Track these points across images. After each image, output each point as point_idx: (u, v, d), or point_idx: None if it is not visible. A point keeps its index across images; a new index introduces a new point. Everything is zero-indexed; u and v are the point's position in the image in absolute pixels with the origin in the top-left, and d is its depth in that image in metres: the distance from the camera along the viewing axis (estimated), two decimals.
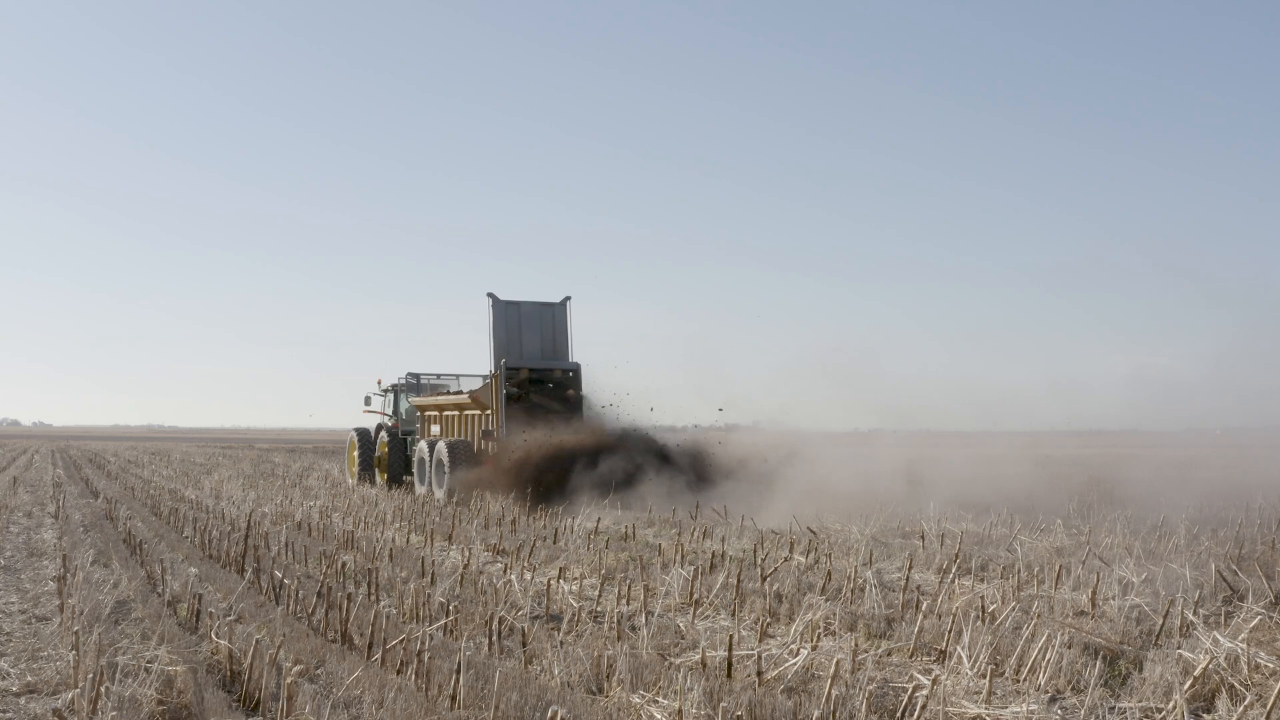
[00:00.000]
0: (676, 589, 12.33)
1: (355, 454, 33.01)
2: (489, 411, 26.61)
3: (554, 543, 17.15)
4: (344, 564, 13.08)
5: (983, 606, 10.19)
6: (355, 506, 24.47)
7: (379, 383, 33.90)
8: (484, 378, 27.31)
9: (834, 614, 10.88)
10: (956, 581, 13.13)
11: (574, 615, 10.86)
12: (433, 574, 12.96)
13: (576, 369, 27.44)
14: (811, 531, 18.22)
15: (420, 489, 28.51)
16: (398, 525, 20.36)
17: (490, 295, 26.81)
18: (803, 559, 15.77)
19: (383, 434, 32.25)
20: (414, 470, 29.57)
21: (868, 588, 11.62)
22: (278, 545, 16.19)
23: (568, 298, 27.89)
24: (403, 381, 32.94)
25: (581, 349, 28.41)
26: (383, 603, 11.64)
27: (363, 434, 33.09)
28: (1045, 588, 12.72)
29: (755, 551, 15.71)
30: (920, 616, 10.36)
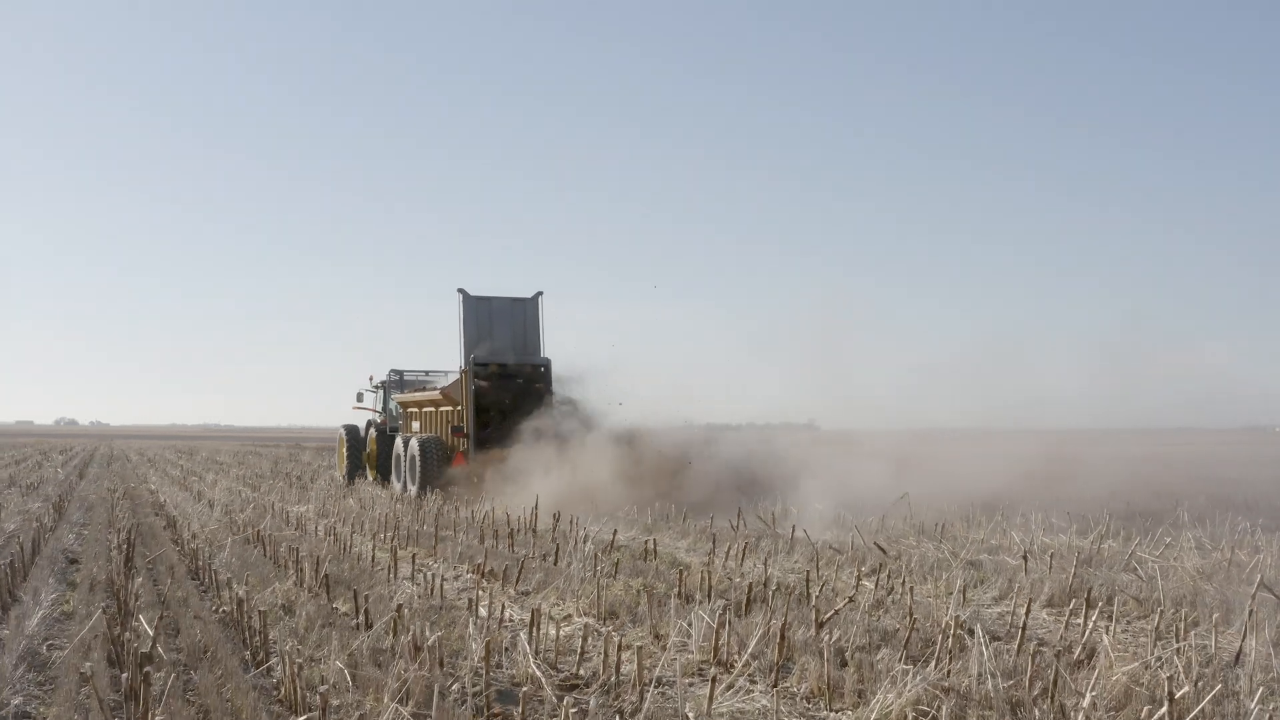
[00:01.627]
0: (696, 639, 8.79)
1: (344, 451, 32.35)
2: (459, 408, 26.31)
3: (555, 561, 13.62)
4: (241, 601, 9.62)
5: (1169, 693, 6.28)
6: (346, 511, 21.15)
7: (370, 379, 33.33)
8: (457, 374, 27.05)
9: (927, 690, 7.26)
10: (1088, 623, 9.48)
11: (535, 690, 7.35)
12: (366, 613, 9.45)
13: (547, 364, 26.95)
14: (881, 549, 14.58)
15: (397, 485, 27.95)
16: (379, 535, 17.03)
17: (461, 291, 26.39)
18: (870, 585, 12.25)
19: (372, 431, 31.68)
20: (392, 467, 29.03)
21: (973, 646, 7.94)
22: (192, 566, 12.79)
23: (539, 293, 27.32)
24: (389, 379, 32.72)
25: (628, 348, 26.08)
26: (277, 662, 8.15)
27: (351, 431, 32.44)
28: (1222, 634, 9.06)
29: (809, 578, 12.07)
30: (1057, 694, 6.79)
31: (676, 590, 11.14)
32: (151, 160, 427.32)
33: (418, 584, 11.82)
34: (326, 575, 11.37)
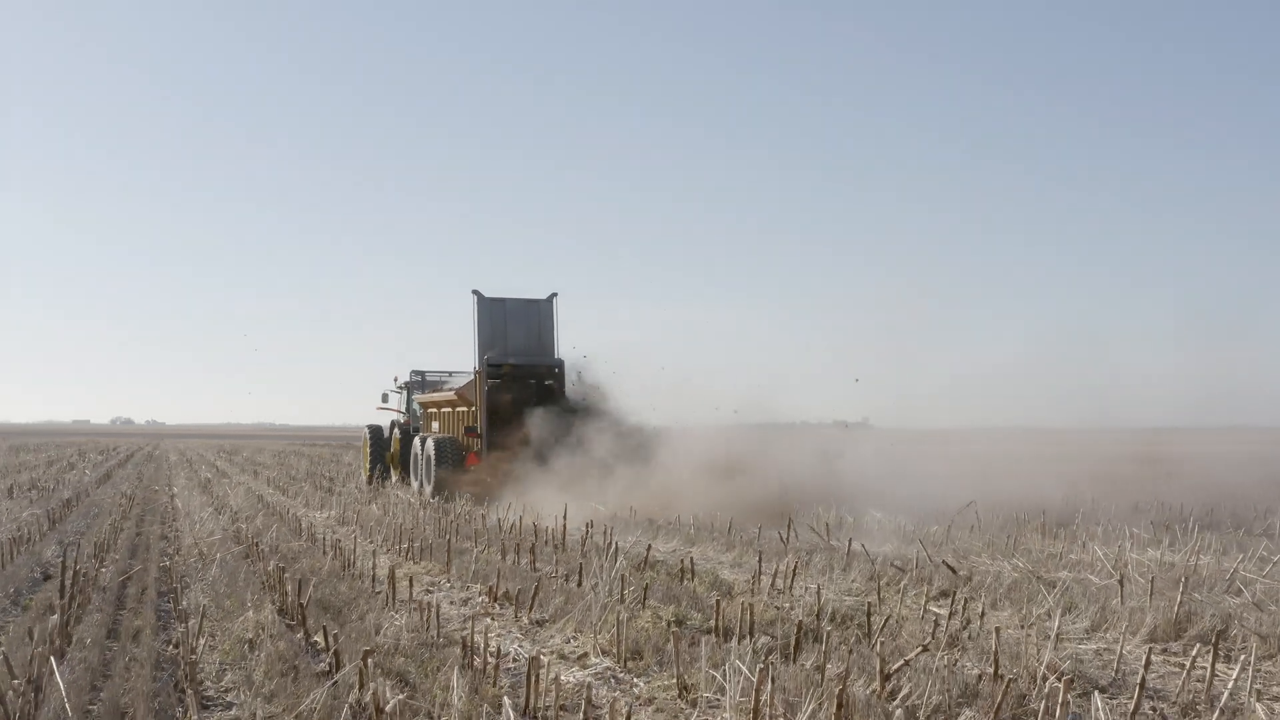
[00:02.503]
0: (731, 696, 7.13)
1: (367, 451, 32.27)
2: (473, 408, 26.19)
3: (579, 582, 11.98)
4: (180, 642, 8.06)
5: None
6: (366, 518, 19.64)
7: (395, 380, 33.07)
8: (472, 374, 26.85)
9: None
10: (1213, 670, 7.73)
11: None
12: (336, 655, 7.85)
13: (560, 365, 26.65)
14: (950, 568, 12.83)
15: (414, 485, 27.79)
16: (393, 546, 15.50)
17: (475, 292, 26.20)
18: (940, 611, 10.56)
19: (395, 431, 31.30)
20: (410, 467, 28.95)
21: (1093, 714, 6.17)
22: (168, 587, 11.27)
23: (554, 294, 27.01)
24: (411, 379, 32.50)
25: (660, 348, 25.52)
26: None
27: (375, 431, 32.26)
28: None
29: (870, 608, 10.36)
30: None
31: (713, 623, 9.46)
32: (216, 163, 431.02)
33: (416, 611, 10.23)
34: (305, 604, 9.77)
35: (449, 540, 14.80)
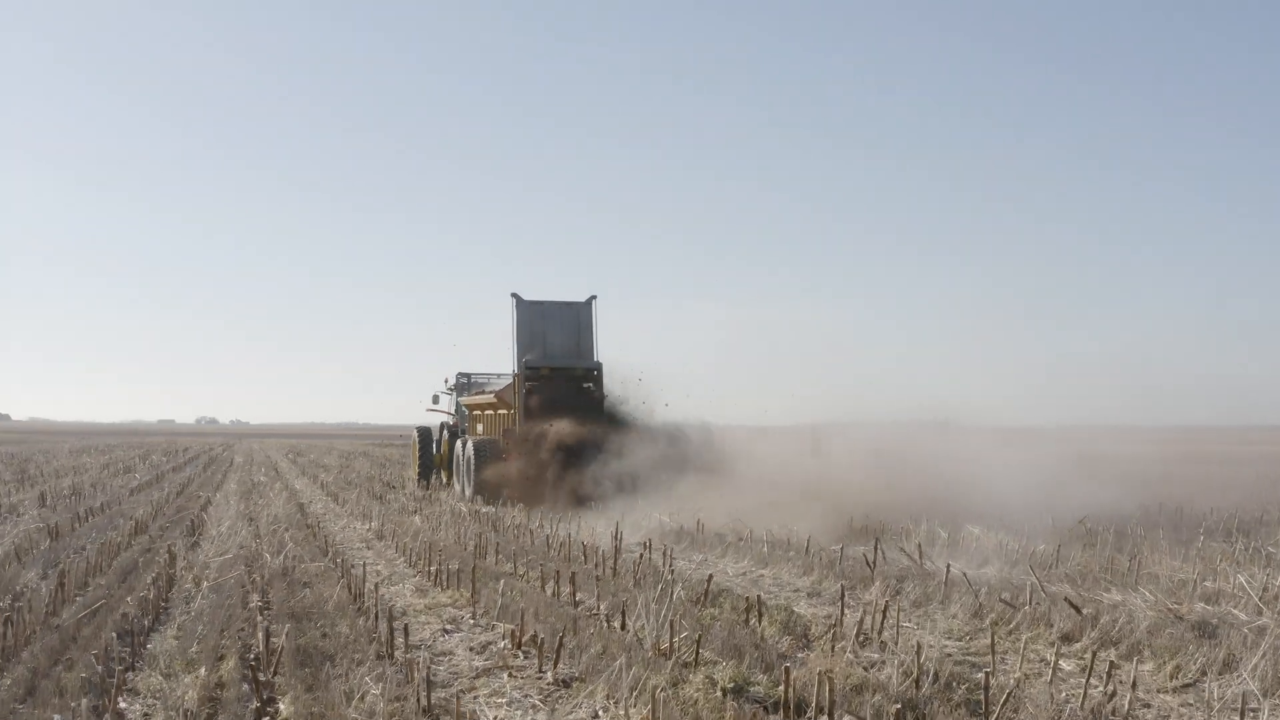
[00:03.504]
0: None
1: (416, 453, 32.27)
2: (512, 410, 25.96)
3: (622, 623, 9.96)
4: None
5: None
6: (405, 530, 17.79)
7: (445, 381, 32.45)
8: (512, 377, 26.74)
9: None
10: None
11: None
12: None
13: (599, 368, 26.28)
14: (1074, 606, 10.62)
15: (457, 488, 27.61)
16: (422, 568, 13.61)
17: (514, 295, 26.10)
18: (1070, 667, 8.47)
19: (444, 433, 31.03)
20: (453, 469, 28.82)
21: None
22: (130, 627, 9.40)
23: (593, 297, 26.77)
24: (458, 381, 32.04)
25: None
26: None
27: (424, 433, 32.25)
28: None
29: (984, 664, 8.23)
30: None
31: (781, 691, 7.38)
32: (305, 165, 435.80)
33: (410, 667, 8.26)
34: (277, 656, 7.86)
35: (483, 562, 12.88)
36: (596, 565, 13.59)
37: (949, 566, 12.69)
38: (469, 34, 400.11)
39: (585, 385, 26.20)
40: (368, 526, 19.65)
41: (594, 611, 10.78)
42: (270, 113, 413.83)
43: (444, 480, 30.34)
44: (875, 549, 13.65)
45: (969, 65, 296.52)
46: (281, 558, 13.95)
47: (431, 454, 31.40)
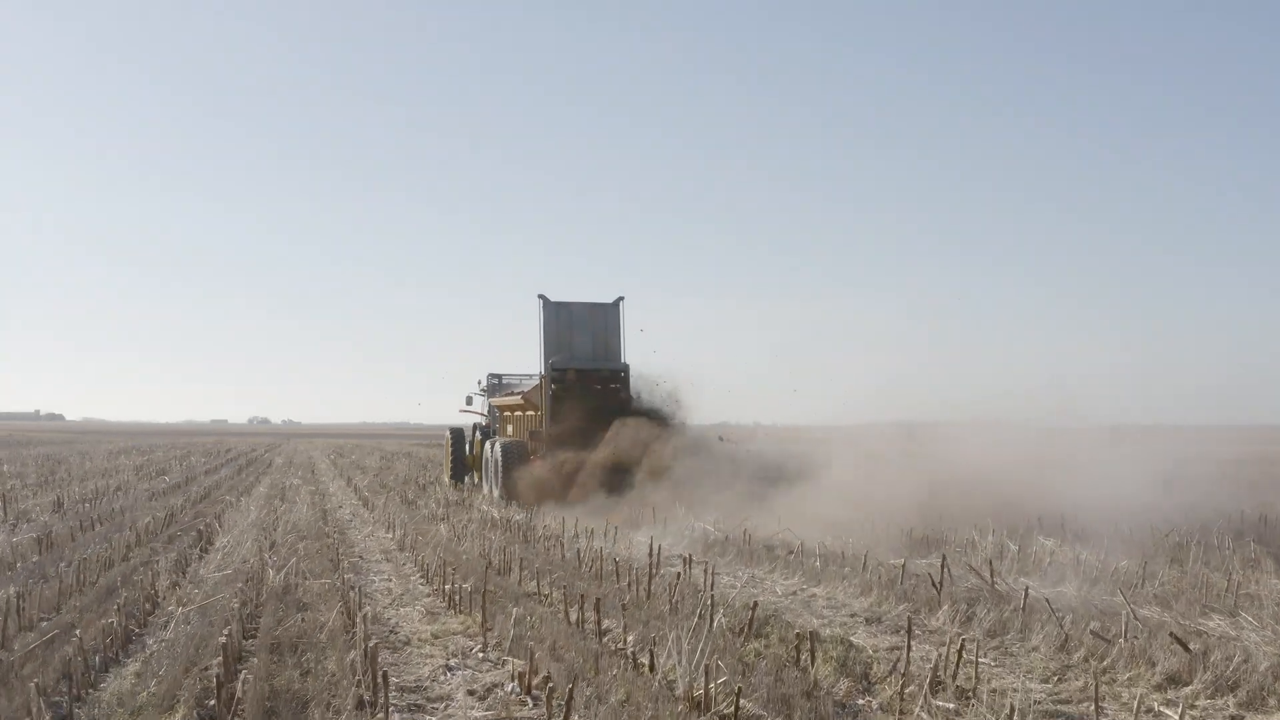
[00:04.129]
0: None
1: (449, 454, 32.02)
2: (539, 412, 25.85)
3: (650, 665, 8.56)
4: None
5: None
6: (425, 540, 16.50)
7: (479, 383, 31.93)
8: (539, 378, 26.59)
9: None
10: None
11: None
12: None
13: (625, 369, 26.13)
14: (1180, 643, 9.10)
15: (486, 489, 27.52)
16: (441, 586, 12.29)
17: (541, 297, 25.96)
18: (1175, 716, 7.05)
19: (477, 434, 30.63)
20: (482, 470, 28.64)
21: None
22: (90, 663, 8.12)
23: (620, 298, 26.48)
24: (489, 381, 31.62)
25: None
26: None
27: (456, 434, 32.04)
28: None
29: (1084, 716, 6.80)
30: None
31: None
32: (359, 164, 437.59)
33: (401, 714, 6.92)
34: (237, 704, 6.55)
35: (505, 580, 11.54)
36: (630, 584, 12.22)
37: (1027, 590, 11.20)
38: (506, 33, 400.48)
39: (613, 387, 26.10)
40: (391, 536, 18.39)
41: (620, 646, 9.40)
42: (329, 115, 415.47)
43: (475, 481, 30.06)
44: (942, 568, 12.13)
45: (1029, 60, 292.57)
46: (283, 574, 12.65)
47: (464, 455, 31.19)
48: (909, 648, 8.77)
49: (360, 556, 16.12)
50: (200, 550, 15.46)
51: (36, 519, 19.83)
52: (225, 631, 8.26)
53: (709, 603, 10.01)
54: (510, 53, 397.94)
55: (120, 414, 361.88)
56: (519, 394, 27.46)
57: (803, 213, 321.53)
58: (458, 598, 11.44)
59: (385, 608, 11.79)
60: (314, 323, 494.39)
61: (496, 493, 25.61)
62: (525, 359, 29.00)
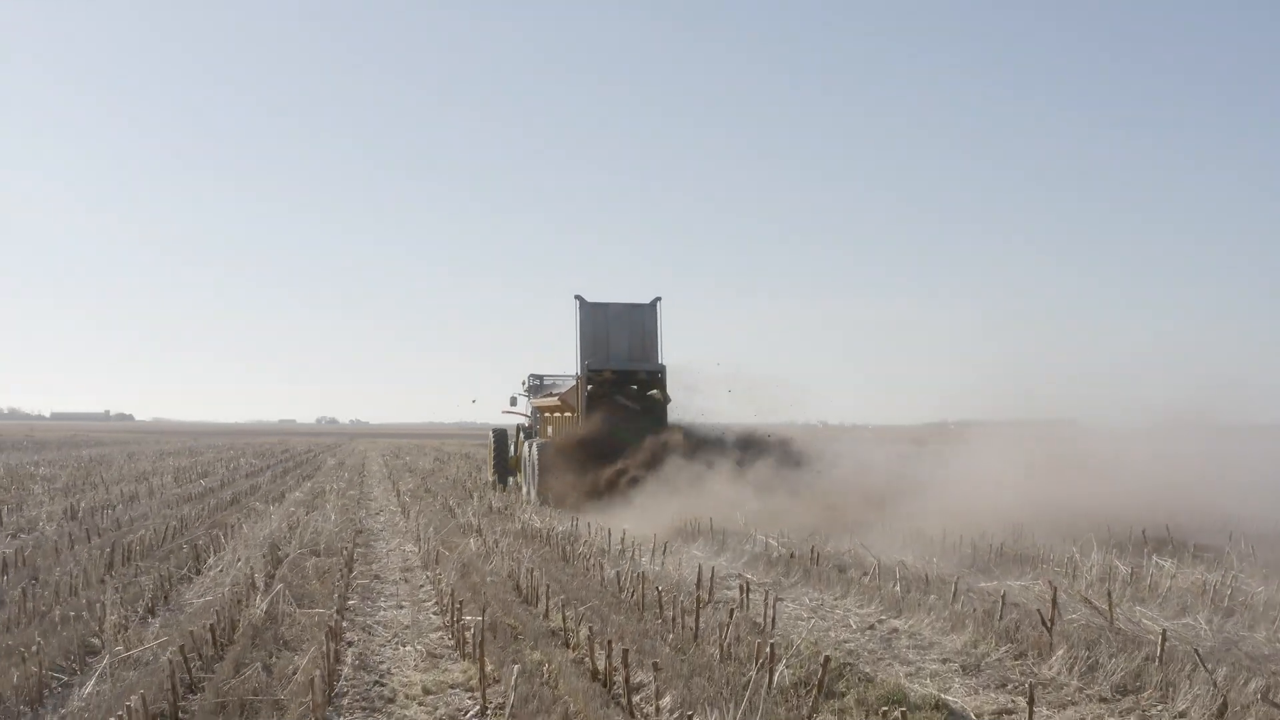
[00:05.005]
0: None
1: (492, 455, 31.61)
2: (576, 414, 25.55)
3: None
4: None
5: None
6: (456, 556, 14.63)
7: (523, 383, 31.25)
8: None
9: None
10: None
11: None
12: None
13: (662, 370, 25.72)
14: None
15: (524, 491, 27.05)
16: (455, 619, 10.35)
17: (578, 297, 25.59)
18: None
19: (520, 435, 30.04)
20: (521, 472, 28.34)
21: None
22: None
23: (658, 299, 26.04)
24: (530, 383, 31.05)
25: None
26: None
27: (499, 435, 31.59)
28: None
29: None
30: None
31: None
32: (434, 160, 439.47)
33: None
34: None
35: (530, 611, 9.58)
36: (675, 619, 10.21)
37: (1164, 635, 9.03)
38: (563, 34, 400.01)
39: (649, 387, 25.79)
40: (418, 550, 16.54)
41: (652, 712, 7.40)
42: (401, 119, 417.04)
43: (518, 483, 29.49)
44: (1053, 603, 9.98)
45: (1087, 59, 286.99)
46: (268, 602, 10.78)
47: (507, 456, 30.79)
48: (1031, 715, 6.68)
49: (376, 576, 14.27)
50: (192, 569, 13.66)
51: (38, 529, 18.24)
52: (129, 702, 6.33)
53: (769, 651, 7.99)
54: (569, 53, 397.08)
55: (190, 414, 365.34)
56: (556, 395, 27.16)
57: (870, 210, 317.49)
58: (467, 635, 9.50)
59: (381, 646, 9.90)
60: (385, 323, 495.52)
61: (533, 494, 25.12)
62: (557, 359, 28.49)
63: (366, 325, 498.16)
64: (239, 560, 13.79)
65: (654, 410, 25.21)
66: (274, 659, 8.93)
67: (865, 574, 13.44)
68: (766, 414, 26.60)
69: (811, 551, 14.67)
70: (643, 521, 20.54)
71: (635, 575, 12.51)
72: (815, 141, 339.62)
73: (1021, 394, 26.68)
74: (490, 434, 32.37)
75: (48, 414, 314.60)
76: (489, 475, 32.12)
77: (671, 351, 27.04)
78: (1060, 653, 9.22)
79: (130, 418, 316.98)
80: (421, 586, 13.31)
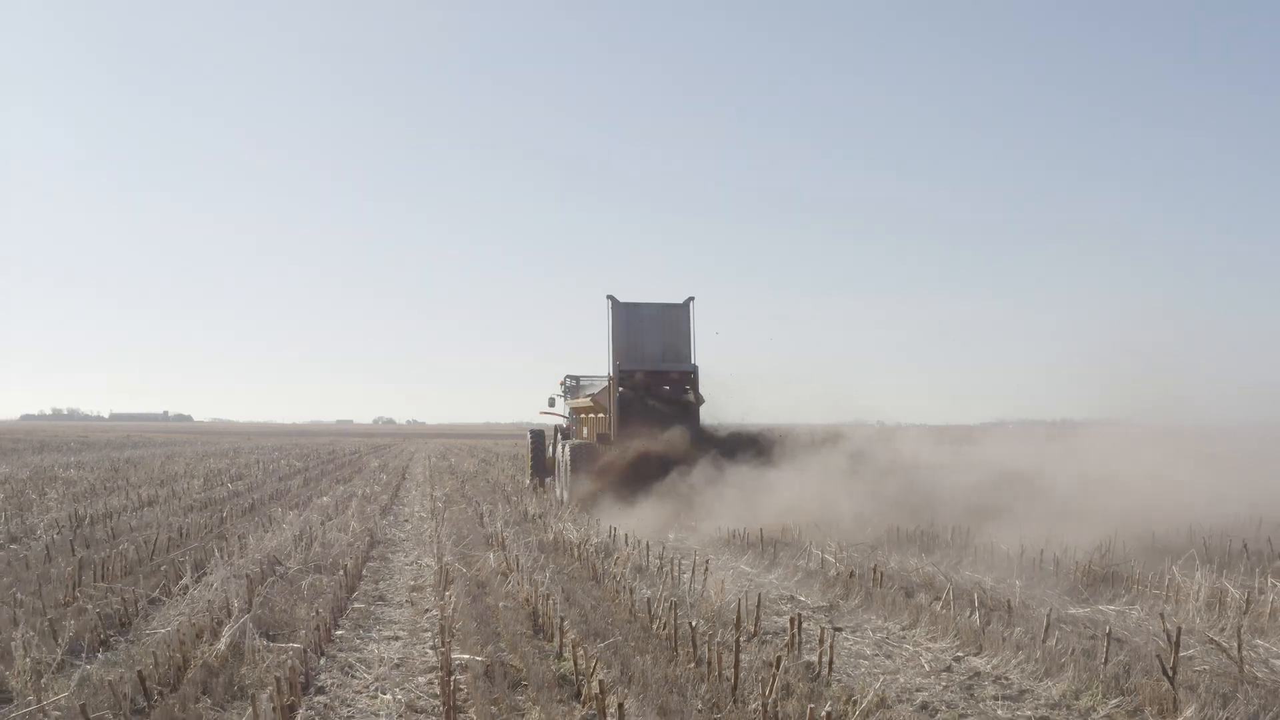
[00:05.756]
0: None
1: (530, 456, 31.19)
2: (607, 415, 25.10)
3: None
4: None
5: None
6: (471, 575, 12.99)
7: (561, 384, 30.52)
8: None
9: None
10: None
11: None
12: None
13: (694, 371, 25.06)
14: None
15: (558, 493, 26.62)
16: (440, 660, 8.68)
17: (610, 297, 25.06)
18: None
19: (559, 436, 29.27)
20: (556, 473, 27.99)
21: None
22: None
23: (691, 298, 25.40)
24: (566, 383, 30.35)
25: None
26: None
27: (536, 436, 31.28)
28: None
29: None
30: None
31: None
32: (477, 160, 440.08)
33: None
34: None
35: (541, 648, 7.89)
36: (713, 663, 8.46)
37: None
38: (576, 37, 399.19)
39: (681, 388, 25.21)
40: (437, 564, 14.91)
41: None
42: (470, 114, 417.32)
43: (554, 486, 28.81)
44: (1174, 645, 8.11)
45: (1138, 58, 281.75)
46: (230, 635, 9.16)
47: (544, 458, 30.31)
48: None
49: (380, 597, 12.65)
50: (167, 590, 12.08)
51: (35, 536, 16.83)
52: None
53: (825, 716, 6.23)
54: (623, 51, 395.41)
55: (248, 415, 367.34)
56: (589, 396, 26.83)
57: (928, 209, 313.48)
58: (454, 684, 7.80)
59: (356, 694, 8.24)
60: (444, 322, 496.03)
61: (566, 496, 24.73)
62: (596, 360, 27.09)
63: (425, 325, 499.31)
64: (218, 581, 12.15)
65: (687, 411, 24.63)
66: (221, 713, 7.31)
67: (937, 599, 11.65)
68: (813, 413, 26.47)
69: (874, 572, 12.85)
70: (683, 530, 18.98)
71: (671, 600, 10.79)
72: (870, 136, 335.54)
73: (1102, 392, 24.88)
74: (528, 434, 32.07)
75: (106, 415, 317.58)
76: (526, 475, 31.95)
77: (707, 352, 26.53)
78: (1189, 712, 7.40)
79: (189, 418, 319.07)
80: (427, 612, 11.66)
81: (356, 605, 11.90)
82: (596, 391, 26.47)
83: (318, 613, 10.44)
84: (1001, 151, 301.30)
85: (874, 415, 33.29)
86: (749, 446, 23.28)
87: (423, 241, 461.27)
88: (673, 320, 25.42)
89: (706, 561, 13.51)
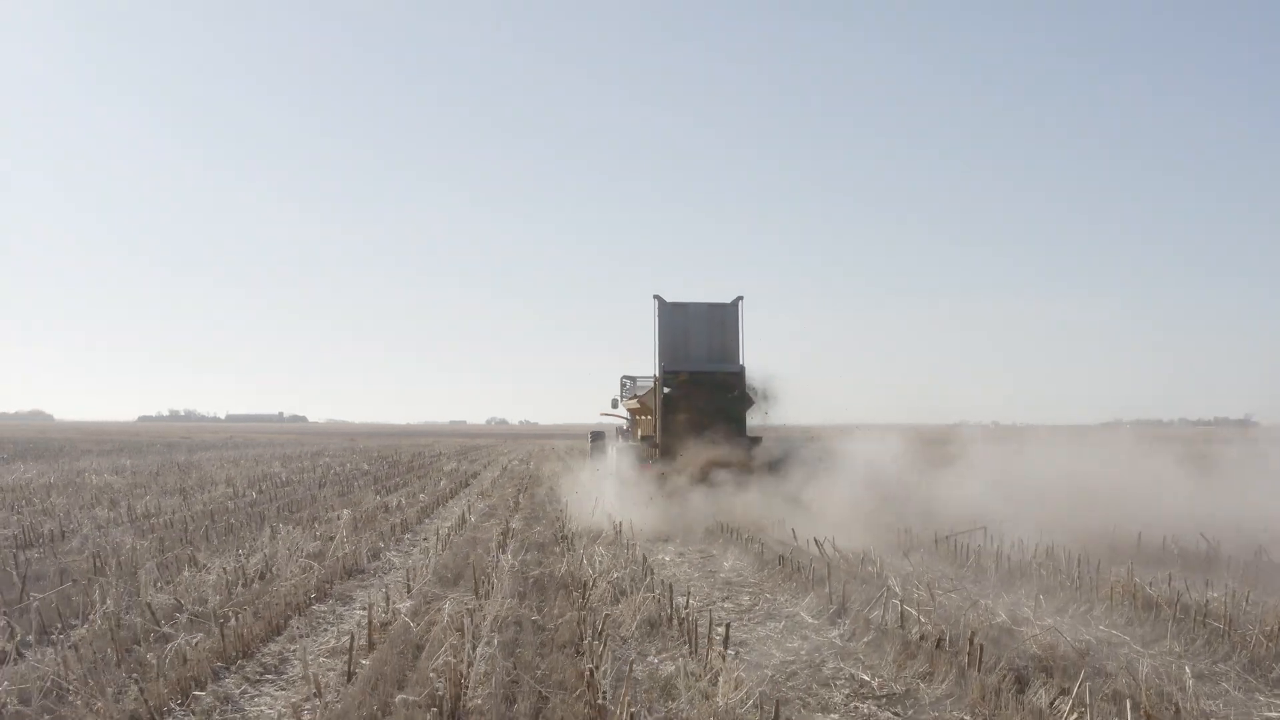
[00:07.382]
0: None
1: (590, 460, 32.04)
2: (653, 416, 24.89)
3: None
4: None
5: None
6: (482, 593, 9.65)
7: (622, 385, 30.10)
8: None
9: None
10: None
11: None
12: None
13: (741, 371, 24.39)
14: None
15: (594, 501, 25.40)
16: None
17: (656, 297, 24.83)
18: None
19: (620, 437, 29.59)
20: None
21: None
22: None
23: (739, 298, 25.01)
24: (623, 384, 30.09)
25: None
26: None
27: (596, 437, 31.84)
28: None
29: None
30: None
31: None
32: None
33: None
34: None
35: None
36: None
37: None
38: (614, 33, 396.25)
39: (728, 390, 24.32)
40: (449, 595, 11.56)
41: None
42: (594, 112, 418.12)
43: None
44: None
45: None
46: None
47: (602, 460, 30.57)
48: None
49: (283, 658, 9.33)
50: (71, 623, 8.91)
51: None
52: None
53: None
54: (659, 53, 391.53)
55: (363, 415, 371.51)
56: (638, 398, 26.72)
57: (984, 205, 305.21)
58: None
59: None
60: (555, 322, 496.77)
61: (613, 500, 23.80)
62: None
63: (540, 325, 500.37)
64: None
65: (734, 413, 23.73)
66: None
67: (1064, 692, 7.95)
68: (895, 414, 25.99)
69: (972, 641, 9.02)
70: (727, 551, 15.94)
71: (665, 685, 7.27)
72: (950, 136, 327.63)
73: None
74: (589, 436, 32.27)
75: (223, 416, 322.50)
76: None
77: (765, 353, 26.53)
78: None
79: (303, 419, 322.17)
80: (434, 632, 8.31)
81: (264, 661, 8.57)
82: (644, 393, 26.16)
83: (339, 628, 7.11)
84: (1110, 145, 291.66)
85: (962, 416, 32.13)
86: (805, 450, 23.14)
87: (541, 237, 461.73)
88: (720, 319, 24.93)
89: (762, 598, 9.93)
